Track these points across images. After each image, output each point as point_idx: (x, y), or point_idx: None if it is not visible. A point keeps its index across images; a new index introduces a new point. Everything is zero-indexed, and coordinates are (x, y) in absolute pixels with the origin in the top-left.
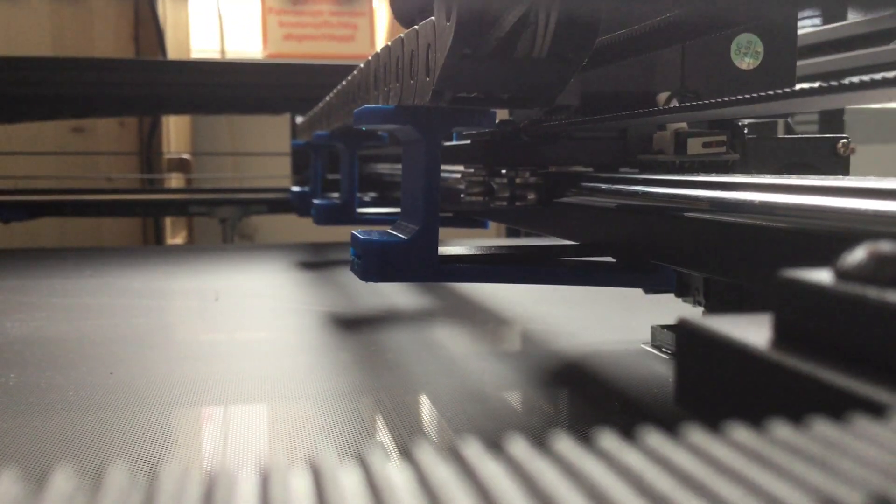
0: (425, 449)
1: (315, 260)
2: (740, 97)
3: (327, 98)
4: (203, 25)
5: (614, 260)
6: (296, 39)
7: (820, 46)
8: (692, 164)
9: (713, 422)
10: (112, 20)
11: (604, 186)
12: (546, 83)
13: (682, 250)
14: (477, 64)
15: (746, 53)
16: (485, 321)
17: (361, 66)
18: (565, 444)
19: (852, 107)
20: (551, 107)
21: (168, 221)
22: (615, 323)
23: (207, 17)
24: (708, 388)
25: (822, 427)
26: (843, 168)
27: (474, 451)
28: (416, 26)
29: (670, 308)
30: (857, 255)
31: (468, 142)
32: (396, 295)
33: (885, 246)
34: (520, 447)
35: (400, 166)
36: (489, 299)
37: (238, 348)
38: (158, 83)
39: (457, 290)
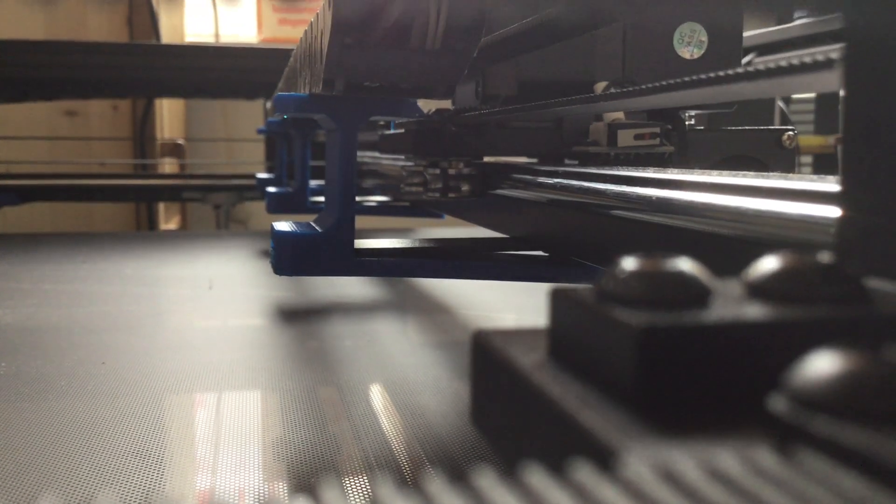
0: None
1: None
2: (657, 85)
3: (280, 84)
4: (198, 10)
5: (546, 254)
6: (290, 24)
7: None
8: (627, 156)
9: (497, 443)
10: (106, 3)
11: (535, 179)
12: (443, 73)
13: (597, 247)
14: (365, 53)
15: (690, 43)
16: (446, 309)
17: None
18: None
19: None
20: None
21: (161, 207)
22: None
23: (202, 2)
24: (492, 406)
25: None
26: (788, 161)
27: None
28: (318, 12)
29: None
30: (618, 271)
31: (402, 131)
32: (376, 285)
33: (644, 263)
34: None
35: (368, 153)
36: (452, 289)
37: (227, 337)
38: (151, 66)
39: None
